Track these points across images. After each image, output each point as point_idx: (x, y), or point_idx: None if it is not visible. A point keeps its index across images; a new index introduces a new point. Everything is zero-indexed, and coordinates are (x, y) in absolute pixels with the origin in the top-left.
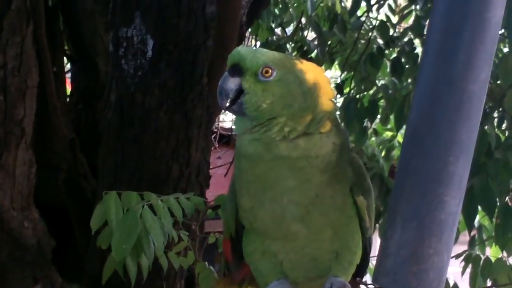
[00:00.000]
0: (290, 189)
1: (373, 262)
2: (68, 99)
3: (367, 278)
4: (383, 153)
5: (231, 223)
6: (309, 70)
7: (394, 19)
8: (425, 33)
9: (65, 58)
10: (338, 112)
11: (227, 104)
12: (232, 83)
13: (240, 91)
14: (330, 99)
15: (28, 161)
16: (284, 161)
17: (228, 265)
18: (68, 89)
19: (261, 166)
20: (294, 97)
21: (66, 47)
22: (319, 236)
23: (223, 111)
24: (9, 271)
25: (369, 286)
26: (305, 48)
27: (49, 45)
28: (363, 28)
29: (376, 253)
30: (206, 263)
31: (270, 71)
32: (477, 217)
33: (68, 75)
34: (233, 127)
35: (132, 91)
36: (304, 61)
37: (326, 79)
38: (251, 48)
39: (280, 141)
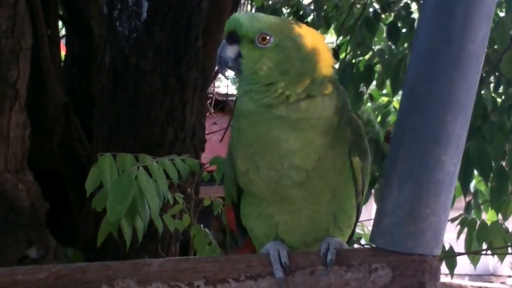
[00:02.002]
0: (291, 151)
1: (368, 227)
2: (62, 63)
3: (362, 241)
4: (378, 119)
5: (231, 188)
6: (308, 35)
7: None
8: None
9: (60, 22)
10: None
11: (226, 72)
12: (230, 51)
13: (240, 55)
14: (329, 65)
15: (22, 124)
16: (284, 121)
17: (234, 235)
18: (63, 53)
19: (261, 125)
20: (292, 63)
21: (60, 11)
22: (317, 199)
23: (219, 75)
24: (3, 234)
25: (365, 246)
26: (301, 13)
27: (43, 8)
28: None
29: (371, 217)
30: (202, 225)
31: (267, 37)
32: (473, 183)
33: (63, 40)
34: (234, 98)
35: (126, 54)
36: (303, 26)
37: (325, 46)
38: (248, 14)
39: (281, 103)
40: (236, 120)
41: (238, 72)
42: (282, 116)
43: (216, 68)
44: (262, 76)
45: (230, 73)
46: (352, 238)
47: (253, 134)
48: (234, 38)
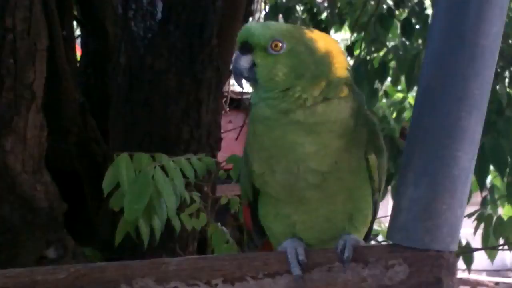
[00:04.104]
0: (307, 155)
1: (385, 223)
2: (78, 63)
3: (379, 238)
4: (394, 115)
5: (247, 188)
6: (320, 39)
7: None
8: None
9: (74, 22)
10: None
11: (243, 82)
12: (244, 62)
13: (254, 64)
14: (344, 68)
15: (39, 125)
16: (301, 126)
17: (251, 234)
18: (78, 54)
19: (278, 129)
20: (306, 67)
21: (75, 12)
22: (333, 200)
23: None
24: (22, 234)
25: (382, 243)
26: (314, 10)
27: (58, 9)
28: None
29: (388, 214)
30: (219, 224)
31: (279, 44)
32: (489, 178)
33: (78, 41)
34: (250, 97)
35: (142, 53)
36: (315, 30)
37: (338, 48)
38: (258, 23)
39: (297, 108)
40: (252, 125)
41: (254, 81)
42: (299, 121)
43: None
44: (278, 82)
45: (245, 83)
46: (370, 235)
47: (269, 138)
48: (247, 48)
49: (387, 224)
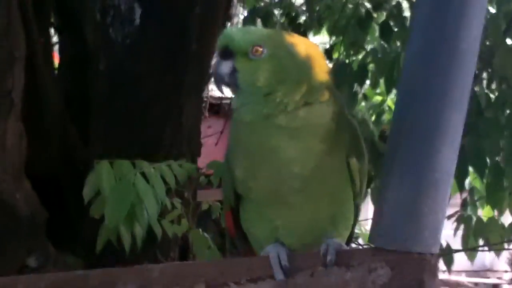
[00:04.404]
0: (290, 160)
1: (365, 226)
2: (56, 70)
3: (360, 241)
4: (373, 118)
5: (229, 194)
6: (300, 43)
7: None
8: None
9: (52, 29)
10: None
11: (223, 88)
12: (225, 67)
13: (235, 69)
14: (325, 72)
15: (19, 133)
16: (283, 130)
17: (233, 240)
18: (56, 61)
19: (260, 134)
20: (288, 71)
21: (53, 18)
22: (316, 204)
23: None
24: (3, 243)
25: (364, 246)
26: (293, 14)
27: (35, 16)
28: None
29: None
30: (200, 230)
31: (260, 49)
32: (469, 179)
33: (55, 47)
34: (232, 102)
35: (121, 59)
36: (295, 35)
37: (319, 53)
38: (239, 28)
39: (279, 113)
40: (233, 130)
41: (235, 86)
42: (281, 125)
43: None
44: (259, 87)
45: (226, 88)
46: (352, 238)
47: (251, 143)
48: (227, 53)
49: (367, 227)
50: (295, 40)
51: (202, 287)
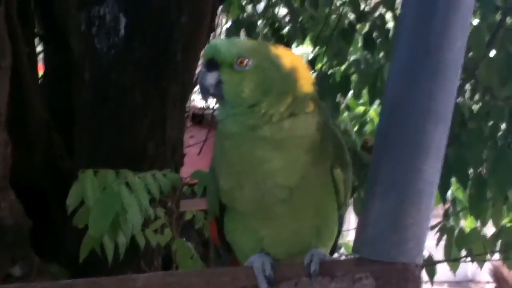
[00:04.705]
0: (275, 171)
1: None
2: (41, 80)
3: (343, 251)
4: (355, 128)
5: (214, 203)
6: (285, 55)
7: None
8: (396, 7)
9: (37, 39)
10: None
11: (209, 99)
12: (210, 78)
13: (220, 80)
14: (309, 83)
15: (3, 142)
16: (268, 141)
17: (218, 250)
18: (40, 70)
19: (245, 145)
20: (272, 83)
21: (37, 28)
22: (301, 215)
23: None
24: None
25: (348, 256)
26: (276, 25)
27: (21, 26)
28: (334, 3)
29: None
30: (184, 239)
31: (245, 60)
32: (451, 190)
33: (39, 56)
34: (217, 113)
35: (106, 69)
36: (280, 47)
37: (303, 64)
38: (224, 40)
39: (264, 124)
40: (219, 141)
41: (221, 97)
42: (266, 137)
43: (195, 80)
44: (244, 99)
45: (212, 99)
46: (336, 249)
47: (236, 154)
48: (213, 64)
49: (349, 238)
50: (280, 52)
51: None
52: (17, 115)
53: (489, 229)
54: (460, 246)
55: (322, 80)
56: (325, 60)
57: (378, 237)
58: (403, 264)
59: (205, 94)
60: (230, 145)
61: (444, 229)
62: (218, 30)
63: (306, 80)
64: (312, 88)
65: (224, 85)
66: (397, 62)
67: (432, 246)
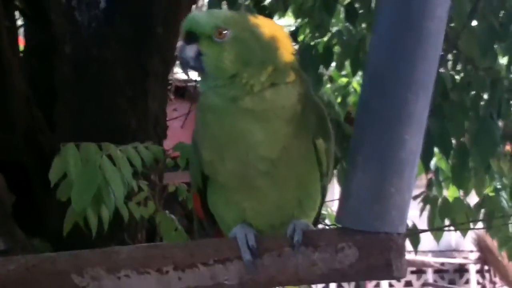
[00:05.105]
0: (257, 142)
1: (331, 207)
2: (22, 55)
3: (326, 222)
4: (338, 100)
5: (197, 176)
6: (264, 25)
7: None
8: None
9: (17, 12)
10: None
11: (190, 72)
12: (189, 51)
13: (200, 53)
14: (290, 53)
15: None
16: (250, 113)
17: (201, 222)
18: (21, 45)
19: (227, 118)
20: (252, 53)
21: (17, 2)
22: (283, 186)
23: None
24: None
25: (330, 227)
26: None
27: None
28: None
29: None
30: (167, 212)
31: (224, 32)
32: (434, 160)
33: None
34: (198, 85)
35: (87, 43)
36: (260, 17)
37: (284, 33)
38: (203, 12)
39: (245, 95)
40: (200, 113)
41: (201, 70)
42: (247, 108)
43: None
44: (225, 70)
45: (193, 72)
46: (319, 219)
47: (218, 126)
48: (192, 37)
49: (333, 208)
50: (259, 21)
51: (170, 268)
52: None
53: (472, 199)
54: (443, 215)
55: (304, 52)
56: (307, 31)
57: (360, 207)
58: (386, 234)
59: (185, 67)
60: (211, 117)
61: (427, 199)
62: (200, 3)
63: (287, 49)
64: (292, 57)
65: (204, 57)
66: (378, 33)
67: (416, 215)
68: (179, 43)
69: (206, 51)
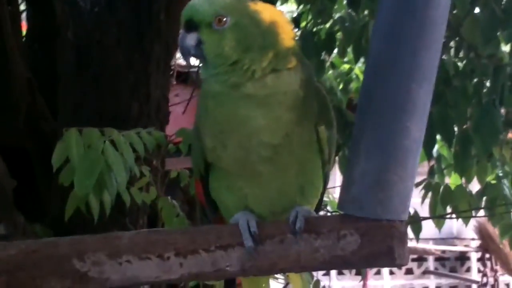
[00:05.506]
0: (259, 128)
1: (333, 194)
2: (24, 39)
3: (328, 209)
4: (341, 86)
5: (199, 162)
6: (264, 10)
7: None
8: None
9: None
10: None
11: (190, 60)
12: (190, 39)
13: (200, 41)
14: (291, 38)
15: None
16: (252, 99)
17: (203, 208)
18: (23, 29)
19: (229, 104)
20: (253, 39)
21: None
22: (285, 173)
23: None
24: None
25: (333, 213)
26: None
27: None
28: None
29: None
30: (169, 197)
31: (223, 19)
32: (436, 147)
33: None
34: (200, 73)
35: (89, 29)
36: (259, 2)
37: (284, 19)
38: (201, 0)
39: (247, 81)
40: (202, 100)
41: (202, 58)
42: (249, 94)
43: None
44: (226, 57)
45: (194, 60)
46: (321, 206)
47: (220, 113)
48: (192, 25)
49: (335, 195)
50: (259, 7)
51: (171, 254)
52: (0, 76)
53: (474, 186)
54: (445, 203)
55: (306, 38)
56: (309, 18)
57: (363, 195)
58: (388, 221)
59: (186, 56)
60: (213, 104)
61: (429, 186)
62: None
63: (287, 35)
64: (293, 42)
65: (204, 45)
66: (381, 20)
67: (418, 203)
68: (180, 32)
69: (207, 39)
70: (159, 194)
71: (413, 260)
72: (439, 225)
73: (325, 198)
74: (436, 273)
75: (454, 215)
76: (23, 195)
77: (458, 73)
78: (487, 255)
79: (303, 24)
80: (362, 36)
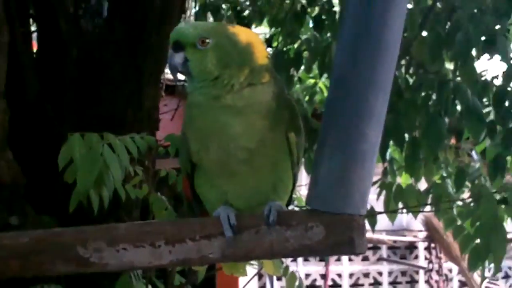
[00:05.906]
0: (237, 134)
1: (299, 191)
2: (35, 56)
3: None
4: (307, 98)
5: (186, 163)
6: (241, 32)
7: None
8: None
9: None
10: None
11: (178, 75)
12: (178, 58)
13: (186, 59)
14: (264, 56)
15: (2, 109)
16: (230, 109)
17: (190, 203)
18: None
19: (210, 113)
20: (231, 57)
21: (31, 10)
22: (259, 173)
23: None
24: None
25: (301, 208)
26: (238, 8)
27: (16, 8)
28: None
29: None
30: (159, 193)
31: (206, 40)
32: (389, 151)
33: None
34: (186, 87)
35: (90, 47)
36: (237, 26)
37: (258, 39)
38: (187, 24)
39: (226, 93)
40: (188, 109)
41: (188, 74)
42: (228, 105)
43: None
44: (208, 73)
45: (181, 76)
46: (290, 202)
47: (203, 121)
48: (179, 46)
49: (301, 192)
50: (237, 30)
51: (162, 243)
52: (14, 87)
53: (422, 185)
54: (397, 199)
55: (278, 56)
56: (280, 39)
57: (327, 192)
58: (349, 215)
59: (174, 72)
60: (197, 113)
61: (383, 185)
62: (187, 13)
63: (261, 53)
64: (266, 60)
65: (190, 63)
66: (343, 41)
67: (374, 199)
68: (169, 51)
69: (192, 57)
70: (150, 191)
71: (369, 248)
72: (391, 219)
73: (293, 195)
74: (388, 260)
75: (404, 210)
76: (33, 190)
77: (409, 87)
78: (433, 245)
79: (275, 44)
80: (326, 55)
